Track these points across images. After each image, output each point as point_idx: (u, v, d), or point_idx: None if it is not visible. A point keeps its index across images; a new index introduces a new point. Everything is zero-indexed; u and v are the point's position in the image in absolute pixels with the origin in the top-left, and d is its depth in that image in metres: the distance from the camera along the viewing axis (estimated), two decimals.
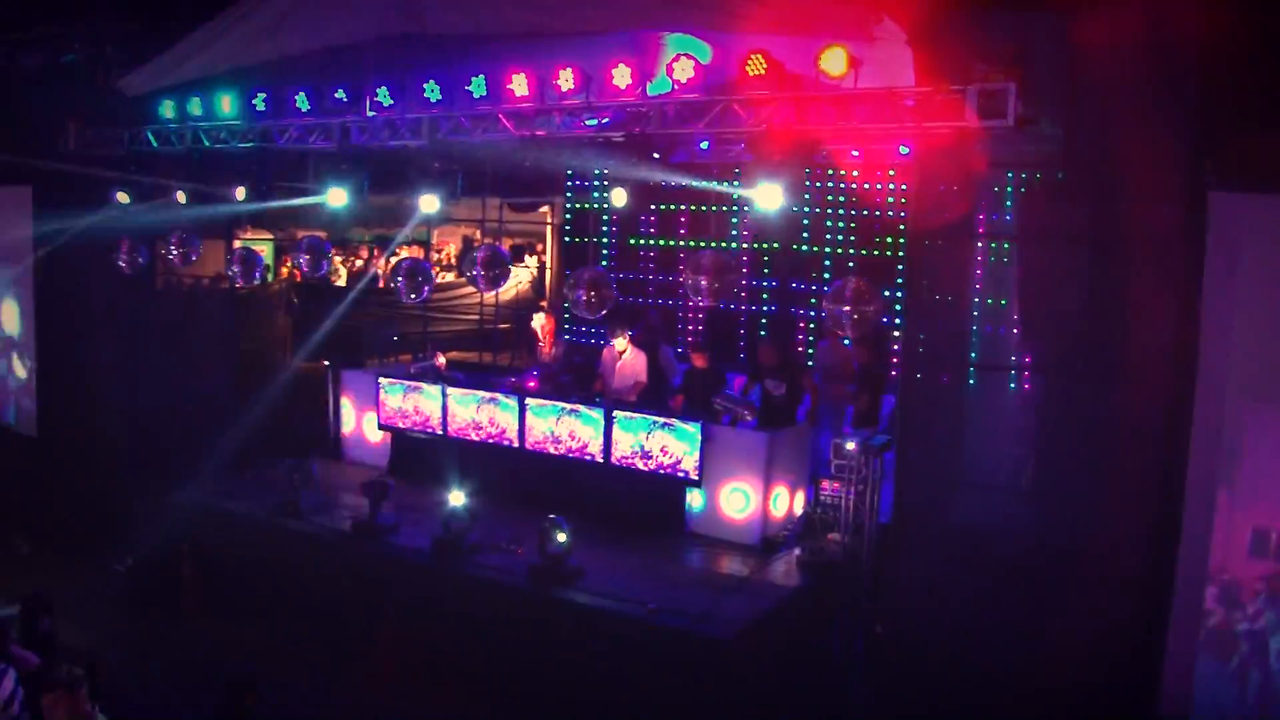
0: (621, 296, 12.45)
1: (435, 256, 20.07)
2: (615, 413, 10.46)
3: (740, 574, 9.22)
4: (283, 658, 9.10)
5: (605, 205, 13.68)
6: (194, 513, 11.10)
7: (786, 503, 10.13)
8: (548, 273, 17.57)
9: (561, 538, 8.83)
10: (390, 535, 10.01)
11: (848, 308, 7.34)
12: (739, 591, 8.82)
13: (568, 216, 15.63)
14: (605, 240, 15.04)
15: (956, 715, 7.29)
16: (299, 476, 10.78)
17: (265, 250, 17.11)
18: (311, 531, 10.35)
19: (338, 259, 20.24)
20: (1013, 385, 7.46)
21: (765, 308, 13.59)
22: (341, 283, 19.22)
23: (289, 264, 18.49)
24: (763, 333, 13.14)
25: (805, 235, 12.48)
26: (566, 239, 15.82)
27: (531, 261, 19.59)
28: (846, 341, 10.80)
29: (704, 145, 11.05)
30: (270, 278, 17.06)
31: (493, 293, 15.32)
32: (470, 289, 16.29)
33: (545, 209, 16.74)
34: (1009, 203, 7.31)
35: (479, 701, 8.49)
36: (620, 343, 11.44)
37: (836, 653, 8.77)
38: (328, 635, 9.55)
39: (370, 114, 9.33)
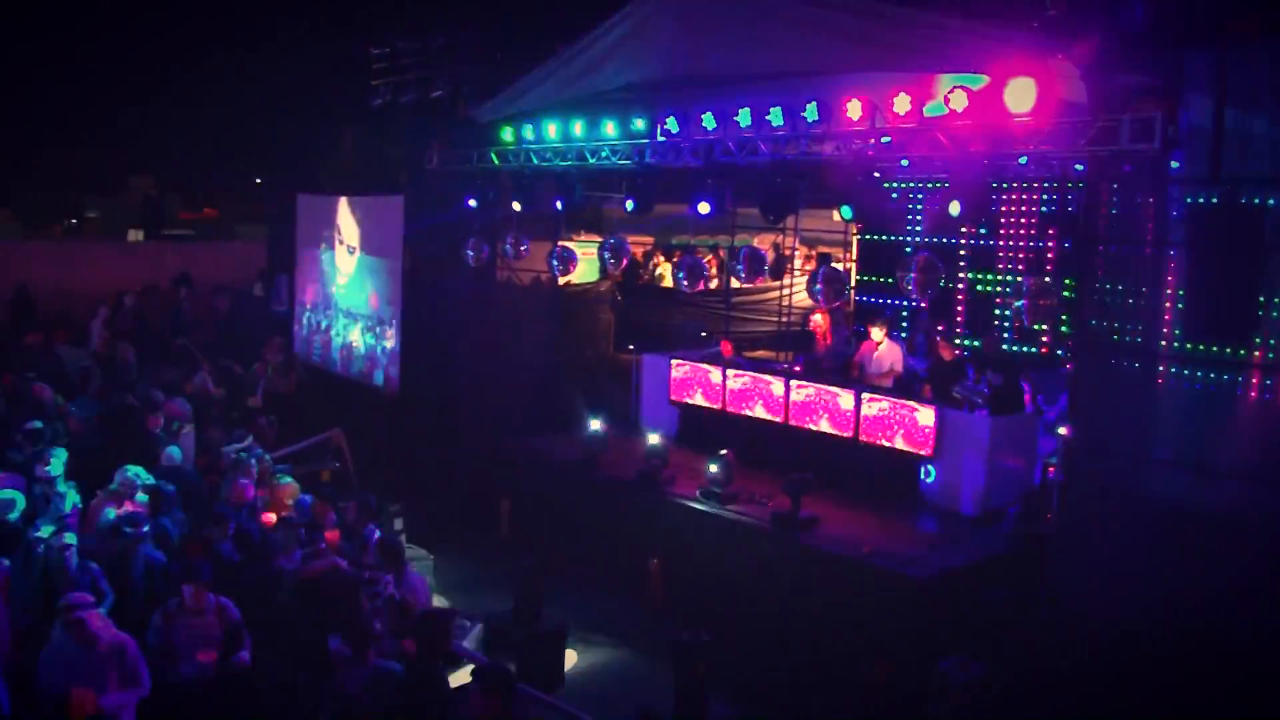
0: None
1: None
2: (865, 395, 12.53)
3: (954, 536, 11.08)
4: (570, 579, 11.74)
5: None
6: (517, 461, 14.31)
7: (1009, 481, 11.76)
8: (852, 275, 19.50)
9: (798, 494, 11.11)
10: (666, 487, 12.59)
11: (1026, 302, 9.07)
12: (947, 548, 10.69)
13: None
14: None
15: (1112, 663, 8.78)
16: (600, 438, 13.65)
17: (593, 253, 19.99)
18: (605, 482, 13.15)
19: (662, 260, 23.06)
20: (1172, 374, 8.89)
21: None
22: (667, 283, 21.87)
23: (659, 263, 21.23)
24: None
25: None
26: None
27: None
28: None
29: (904, 163, 12.90)
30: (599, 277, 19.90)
31: (788, 294, 17.81)
32: (773, 293, 18.51)
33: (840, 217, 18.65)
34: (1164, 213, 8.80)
35: (725, 622, 10.76)
36: (877, 335, 13.42)
37: (1042, 611, 10.33)
38: (609, 564, 12.23)
39: (661, 139, 11.96)
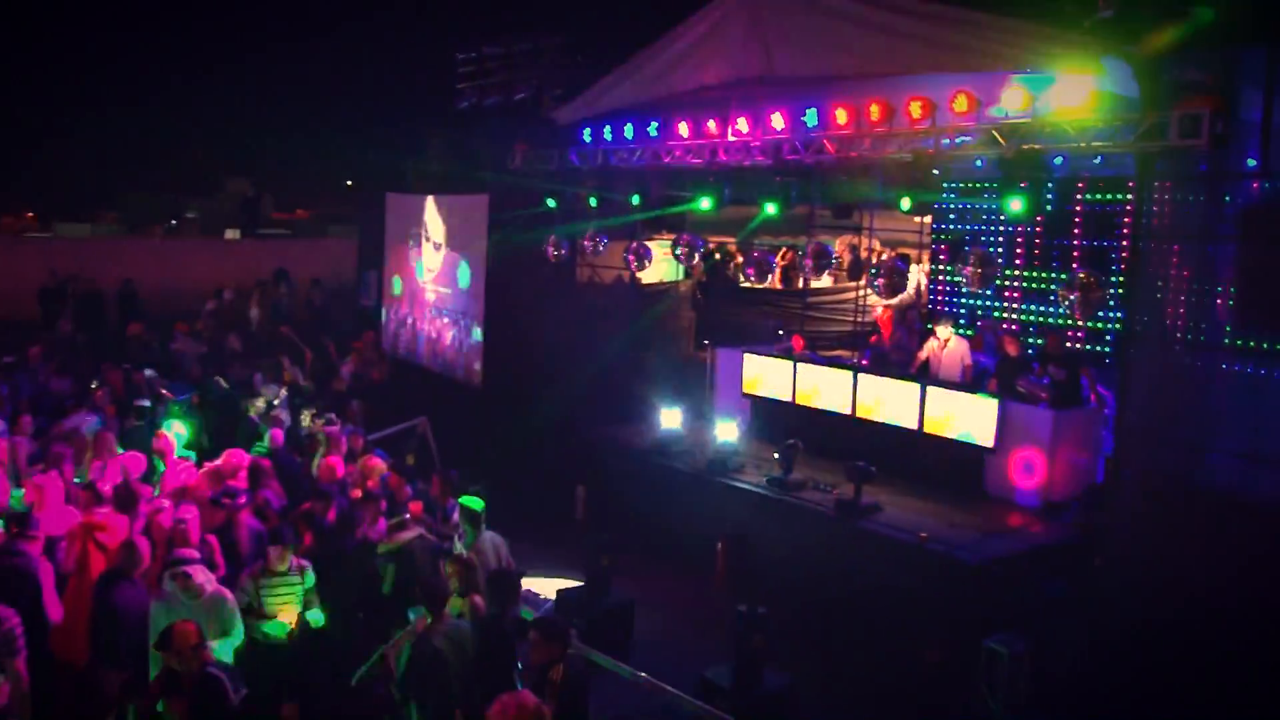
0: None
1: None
2: (929, 388, 12.93)
3: (1011, 526, 11.43)
4: (640, 560, 12.34)
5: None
6: (591, 448, 14.99)
7: (1071, 474, 12.05)
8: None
9: (860, 481, 11.59)
10: (735, 474, 13.14)
11: (1077, 294, 9.44)
12: (1002, 537, 11.07)
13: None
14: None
15: (1161, 648, 9.08)
16: (673, 428, 14.24)
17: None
18: (676, 467, 13.74)
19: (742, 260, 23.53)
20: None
21: None
22: (750, 284, 22.31)
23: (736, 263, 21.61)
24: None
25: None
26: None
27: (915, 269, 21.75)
28: None
29: (978, 164, 13.25)
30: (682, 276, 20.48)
31: (864, 295, 18.16)
32: (849, 293, 18.86)
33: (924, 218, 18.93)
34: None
35: (787, 603, 11.28)
36: (944, 332, 13.78)
37: (1093, 596, 10.62)
38: (678, 547, 12.81)
39: (731, 138, 12.53)
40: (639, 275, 17.27)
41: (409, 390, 17.63)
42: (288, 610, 8.22)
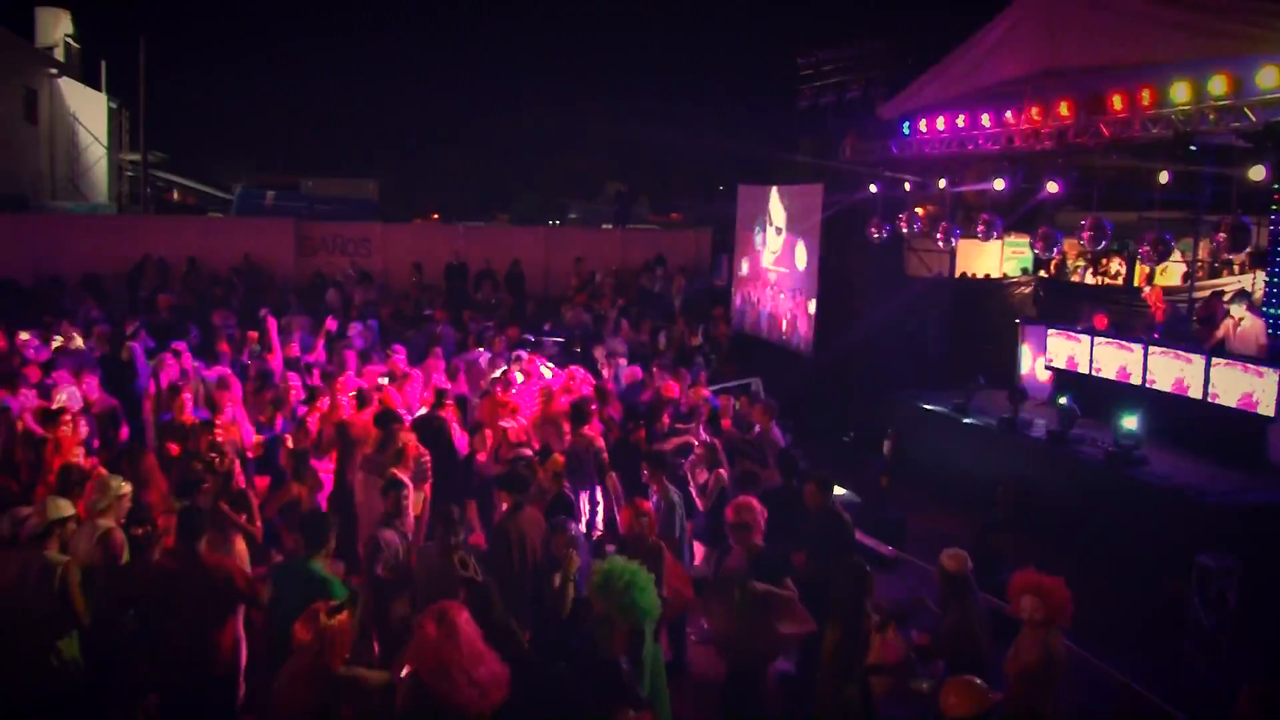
0: None
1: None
2: (1213, 359, 14.26)
3: (1274, 484, 12.70)
4: (929, 499, 14.62)
5: None
6: (901, 409, 17.33)
7: None
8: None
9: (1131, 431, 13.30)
10: (1023, 430, 15.10)
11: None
12: (1259, 491, 12.41)
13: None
14: None
15: None
16: (973, 390, 16.34)
17: (1024, 253, 22.41)
18: (974, 424, 15.88)
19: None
20: None
21: None
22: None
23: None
24: None
25: None
26: None
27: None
28: None
29: None
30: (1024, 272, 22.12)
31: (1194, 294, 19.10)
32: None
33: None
34: None
35: (1057, 540, 13.14)
36: (1238, 311, 14.96)
37: None
38: (965, 492, 14.90)
39: (1024, 126, 14.55)
40: (967, 268, 19.17)
41: (749, 356, 20.59)
42: None
